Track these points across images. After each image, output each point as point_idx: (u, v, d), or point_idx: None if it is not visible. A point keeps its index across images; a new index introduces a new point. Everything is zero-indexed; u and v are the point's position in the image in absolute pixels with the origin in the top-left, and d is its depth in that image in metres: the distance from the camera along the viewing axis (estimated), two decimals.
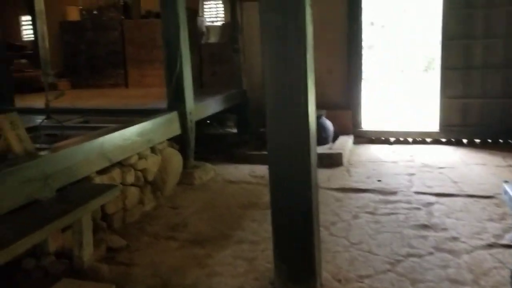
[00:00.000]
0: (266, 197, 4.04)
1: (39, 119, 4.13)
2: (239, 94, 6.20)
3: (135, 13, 7.60)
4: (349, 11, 5.72)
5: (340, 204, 3.91)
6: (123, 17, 7.42)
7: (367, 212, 3.71)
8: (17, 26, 9.06)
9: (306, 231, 2.41)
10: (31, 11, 8.67)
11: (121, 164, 3.61)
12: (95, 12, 7.56)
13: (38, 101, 5.55)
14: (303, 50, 2.15)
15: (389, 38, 12.60)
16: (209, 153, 5.42)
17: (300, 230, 2.42)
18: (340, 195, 4.12)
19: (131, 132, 3.71)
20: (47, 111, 3.59)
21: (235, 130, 6.57)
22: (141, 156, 3.86)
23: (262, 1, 2.18)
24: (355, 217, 3.63)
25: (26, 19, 9.00)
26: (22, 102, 5.63)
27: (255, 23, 6.05)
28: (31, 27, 8.91)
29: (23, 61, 8.26)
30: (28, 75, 7.28)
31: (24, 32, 9.17)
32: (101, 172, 3.36)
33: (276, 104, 2.23)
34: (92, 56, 7.63)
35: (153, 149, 4.08)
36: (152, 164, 3.98)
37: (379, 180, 4.45)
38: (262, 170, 4.84)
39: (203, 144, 5.27)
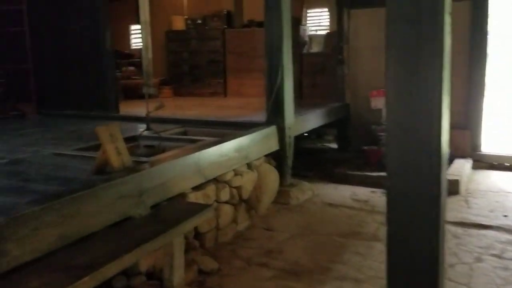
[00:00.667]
0: (370, 226, 3.63)
1: (140, 127, 4.14)
2: (341, 108, 5.81)
3: (238, 22, 7.56)
4: (473, 19, 5.07)
5: (458, 241, 3.37)
6: (225, 27, 7.41)
7: (492, 255, 3.14)
8: (127, 35, 9.54)
9: (429, 276, 1.98)
10: (139, 21, 9.11)
11: (216, 180, 3.43)
12: (199, 21, 7.65)
13: (141, 108, 5.68)
14: (440, 65, 1.74)
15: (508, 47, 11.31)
16: (306, 170, 5.10)
17: (422, 273, 2.00)
18: (458, 230, 3.56)
19: (228, 147, 3.52)
20: (146, 123, 3.54)
21: (334, 145, 6.19)
22: (237, 173, 3.66)
23: (389, 8, 1.81)
24: (478, 260, 3.08)
25: (135, 28, 9.44)
26: (127, 108, 5.79)
27: (362, 33, 5.64)
28: (139, 36, 9.32)
29: (131, 68, 8.65)
30: (134, 82, 7.56)
31: (133, 41, 9.63)
32: (196, 188, 3.20)
33: (400, 122, 1.85)
34: (194, 65, 7.73)
35: (249, 165, 3.86)
36: (247, 181, 3.77)
37: (505, 216, 3.81)
38: (365, 193, 4.41)
39: (300, 158, 4.96)
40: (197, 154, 3.19)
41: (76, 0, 5.26)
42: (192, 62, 7.78)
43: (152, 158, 3.03)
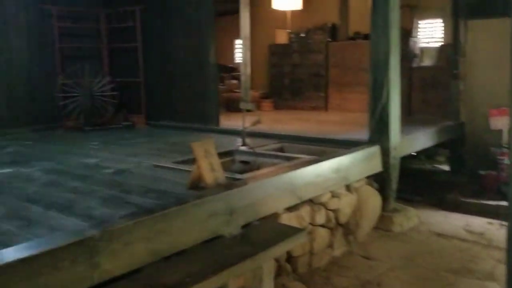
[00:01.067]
0: (486, 263, 3.17)
1: (237, 142, 4.11)
2: (455, 126, 5.28)
3: (342, 35, 7.32)
4: None
5: None
6: (329, 39, 7.22)
7: None
8: (231, 49, 9.79)
9: None
10: None
11: (311, 201, 3.25)
12: (302, 34, 7.56)
13: (241, 122, 5.70)
14: None
15: None
16: (412, 194, 4.69)
17: None
18: None
19: (326, 167, 3.32)
20: (242, 138, 3.49)
21: (446, 168, 5.64)
22: (334, 195, 3.44)
23: None
24: None
25: (239, 42, 9.65)
26: (227, 121, 5.85)
27: (482, 45, 5.09)
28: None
29: (234, 82, 8.82)
30: (236, 96, 7.67)
31: (237, 55, 9.85)
32: (289, 209, 3.05)
33: None
34: (296, 78, 7.64)
35: (348, 187, 3.61)
36: (346, 204, 3.52)
37: None
38: (480, 224, 3.92)
39: (406, 181, 4.57)
40: (292, 173, 3.05)
41: (184, 16, 5.45)
42: (293, 75, 7.69)
43: (245, 176, 2.95)
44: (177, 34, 5.56)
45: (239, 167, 3.33)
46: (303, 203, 3.16)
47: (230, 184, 2.70)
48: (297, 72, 7.61)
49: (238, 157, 3.70)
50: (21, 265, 1.73)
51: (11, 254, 1.75)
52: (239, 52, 9.64)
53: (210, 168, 2.66)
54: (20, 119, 5.46)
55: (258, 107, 7.74)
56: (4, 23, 5.28)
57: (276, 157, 3.70)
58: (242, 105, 3.49)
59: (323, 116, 6.64)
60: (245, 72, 3.41)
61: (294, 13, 7.82)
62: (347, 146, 4.02)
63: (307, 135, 4.59)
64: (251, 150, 3.57)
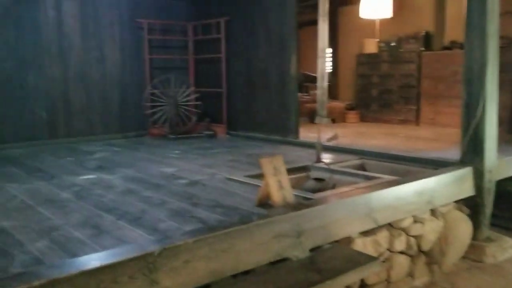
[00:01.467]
0: None
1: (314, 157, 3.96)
2: None
3: (437, 44, 6.84)
4: None
5: None
6: (422, 49, 6.78)
7: None
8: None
9: None
10: (332, 43, 9.07)
11: (390, 226, 3.00)
12: (393, 43, 7.19)
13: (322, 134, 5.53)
14: None
15: None
16: (510, 221, 4.17)
17: None
18: None
19: (408, 190, 3.05)
20: (317, 154, 3.33)
21: None
22: (416, 220, 3.14)
23: None
24: None
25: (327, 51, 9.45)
26: (308, 133, 5.71)
27: None
28: (329, 59, 9.29)
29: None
30: (314, 107, 7.49)
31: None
32: (365, 233, 2.83)
33: None
34: (384, 90, 7.29)
35: (433, 212, 3.29)
36: (430, 230, 3.21)
37: None
38: None
39: (502, 206, 4.09)
40: (369, 194, 2.84)
41: (267, 27, 5.43)
42: (382, 86, 7.34)
43: (317, 195, 2.79)
44: (260, 45, 5.55)
45: (312, 185, 3.18)
46: (381, 227, 2.92)
47: (299, 204, 2.57)
48: (386, 83, 7.25)
49: (313, 174, 3.55)
50: (82, 277, 1.75)
51: (74, 265, 1.79)
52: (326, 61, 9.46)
53: (278, 186, 2.56)
54: (112, 126, 5.81)
55: (343, 118, 7.51)
56: (100, 37, 5.66)
57: (354, 175, 3.49)
58: (318, 120, 3.34)
59: (412, 131, 6.23)
60: (322, 85, 3.25)
61: (383, 21, 7.48)
62: (436, 166, 3.70)
63: (392, 152, 4.30)
64: (326, 167, 3.40)
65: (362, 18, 7.46)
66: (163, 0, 6.12)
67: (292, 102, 5.19)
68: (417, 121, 6.85)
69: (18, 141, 5.04)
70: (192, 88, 6.12)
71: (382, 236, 2.92)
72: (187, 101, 5.96)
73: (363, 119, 7.54)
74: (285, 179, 2.61)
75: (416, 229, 3.13)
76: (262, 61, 5.53)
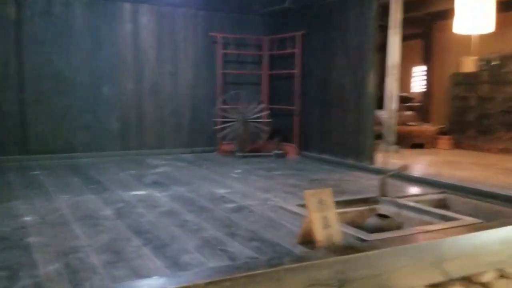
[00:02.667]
0: None
1: (390, 186, 3.48)
2: None
3: None
4: None
5: None
6: None
7: None
8: (408, 77, 8.92)
9: None
10: (426, 61, 8.35)
11: (466, 280, 2.45)
12: (495, 62, 6.37)
13: (403, 161, 4.97)
14: None
15: None
16: None
17: None
18: None
19: (493, 237, 2.48)
20: (380, 187, 2.87)
21: None
22: (503, 274, 2.55)
23: None
24: None
25: (419, 70, 8.76)
26: (388, 159, 5.20)
27: None
28: (423, 78, 8.58)
29: (408, 113, 7.97)
30: (409, 129, 6.86)
31: (415, 83, 8.95)
32: (432, 286, 2.34)
33: None
34: (483, 114, 6.47)
35: None
36: None
37: None
38: None
39: None
40: (440, 240, 2.34)
41: (345, 42, 5.02)
42: (480, 110, 6.53)
43: (374, 237, 2.36)
44: (336, 61, 5.16)
45: (374, 223, 2.73)
46: (454, 281, 2.40)
47: (347, 247, 2.17)
48: (486, 106, 6.44)
49: (380, 208, 3.09)
50: None
51: None
52: (419, 80, 8.76)
53: (323, 223, 2.18)
54: (182, 140, 5.77)
55: (434, 144, 6.79)
56: (175, 50, 5.67)
57: (427, 213, 2.97)
58: (384, 147, 2.89)
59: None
60: (390, 107, 2.80)
61: (484, 37, 6.66)
62: None
63: (482, 187, 3.66)
64: (394, 201, 2.93)
65: (460, 35, 6.72)
66: (239, 13, 6.00)
67: (368, 123, 4.71)
68: None
69: (89, 151, 5.17)
70: (263, 105, 5.89)
71: None
72: (257, 118, 5.73)
73: (456, 145, 6.76)
74: (333, 215, 2.22)
75: (501, 286, 2.54)
76: (338, 77, 5.13)
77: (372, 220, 2.79)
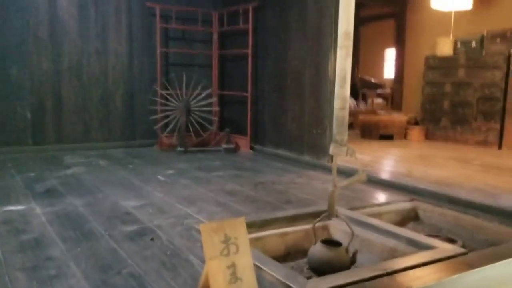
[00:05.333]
0: None
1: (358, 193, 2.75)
2: None
3: None
4: None
5: None
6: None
7: None
8: (381, 61, 8.20)
9: None
10: (398, 43, 7.62)
11: None
12: (473, 44, 5.70)
13: (370, 157, 4.26)
14: None
15: None
16: None
17: None
18: None
19: (486, 275, 1.76)
20: (329, 207, 2.09)
21: None
22: None
23: None
24: None
25: (391, 52, 8.05)
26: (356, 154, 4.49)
27: None
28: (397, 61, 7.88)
29: (378, 101, 7.30)
30: (378, 120, 6.16)
31: (388, 68, 8.25)
32: None
33: None
34: (459, 102, 5.81)
35: None
36: None
37: None
38: None
39: None
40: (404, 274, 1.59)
41: (302, 17, 4.22)
42: (456, 97, 5.86)
43: (311, 283, 1.58)
44: (295, 39, 4.35)
45: (319, 254, 1.98)
46: None
47: None
48: (462, 93, 5.78)
49: (331, 226, 2.33)
50: None
51: None
52: (391, 65, 8.04)
53: (230, 275, 1.40)
54: (114, 133, 4.89)
55: (404, 135, 6.12)
56: (103, 23, 4.73)
57: (392, 235, 2.22)
58: (334, 150, 2.12)
59: (492, 158, 4.74)
60: (340, 93, 2.02)
61: (461, 15, 5.99)
62: None
63: (463, 193, 2.96)
64: (350, 216, 2.18)
65: (435, 13, 6.02)
66: None
67: (327, 114, 3.94)
68: (500, 143, 5.32)
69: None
70: (211, 90, 5.04)
71: None
72: (204, 106, 4.90)
73: (429, 136, 6.12)
74: (246, 261, 1.44)
75: None
76: (296, 60, 4.33)
77: (316, 250, 2.03)
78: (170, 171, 3.73)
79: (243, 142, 4.92)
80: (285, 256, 2.36)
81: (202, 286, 1.46)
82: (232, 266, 1.42)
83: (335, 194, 2.12)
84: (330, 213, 2.06)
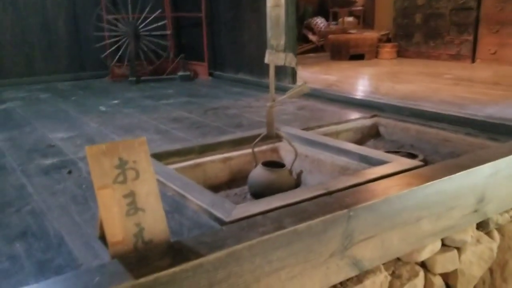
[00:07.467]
0: None
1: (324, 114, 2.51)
2: None
3: None
4: None
5: None
6: None
7: None
8: None
9: None
10: None
11: (397, 260, 1.58)
12: None
13: (337, 77, 4.01)
14: None
15: None
16: None
17: None
18: None
19: (435, 191, 1.57)
20: (267, 121, 1.84)
21: None
22: (446, 243, 1.69)
23: None
24: None
25: None
26: (321, 75, 4.24)
27: None
28: None
29: (349, 19, 6.92)
30: (348, 38, 5.82)
31: None
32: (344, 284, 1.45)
33: None
34: (432, 14, 5.49)
35: (482, 225, 1.82)
36: (473, 260, 1.75)
37: None
38: None
39: None
40: (347, 212, 1.38)
41: None
42: (429, 9, 5.53)
43: (237, 213, 1.37)
44: None
45: (260, 177, 1.76)
46: (370, 272, 1.51)
47: (170, 251, 1.17)
48: (435, 4, 5.44)
49: (280, 147, 2.11)
50: None
51: None
52: None
53: (127, 206, 1.16)
54: (60, 64, 4.49)
55: (376, 53, 5.82)
56: None
57: (343, 153, 2.01)
58: (269, 58, 1.85)
59: (465, 71, 4.52)
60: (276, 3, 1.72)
61: None
62: (494, 134, 2.19)
63: (425, 107, 2.74)
64: (300, 136, 1.95)
65: None
66: None
67: (290, 29, 3.60)
68: (473, 56, 5.09)
69: None
70: (160, 12, 4.57)
71: (373, 284, 1.51)
72: (155, 30, 4.48)
73: (402, 53, 5.85)
74: (150, 188, 1.20)
75: (444, 264, 1.68)
76: None
77: (257, 174, 1.81)
78: (115, 101, 3.42)
79: (201, 69, 4.58)
80: (229, 182, 2.16)
81: (101, 221, 1.24)
82: (131, 195, 1.18)
83: (273, 110, 1.86)
84: (268, 132, 1.82)
